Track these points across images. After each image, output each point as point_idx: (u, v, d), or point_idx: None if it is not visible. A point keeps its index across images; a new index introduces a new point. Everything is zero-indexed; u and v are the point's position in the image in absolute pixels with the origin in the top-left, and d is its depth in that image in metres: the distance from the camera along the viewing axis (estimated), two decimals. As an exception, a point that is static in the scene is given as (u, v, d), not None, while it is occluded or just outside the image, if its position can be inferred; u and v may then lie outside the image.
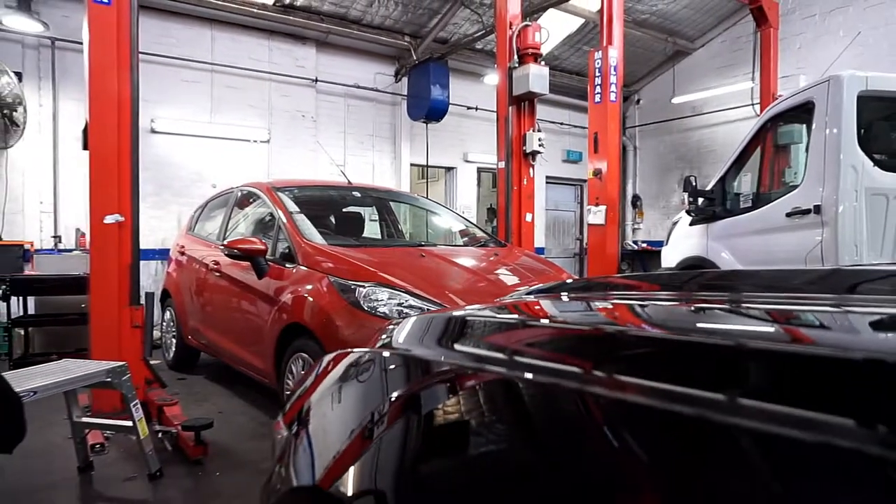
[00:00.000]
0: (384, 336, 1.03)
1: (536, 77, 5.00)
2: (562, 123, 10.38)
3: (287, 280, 3.35)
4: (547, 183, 10.16)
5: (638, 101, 10.72)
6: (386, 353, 0.89)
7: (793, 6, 8.24)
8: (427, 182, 9.50)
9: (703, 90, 9.36)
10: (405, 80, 8.41)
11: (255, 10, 7.05)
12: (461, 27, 8.16)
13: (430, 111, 7.88)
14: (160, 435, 3.10)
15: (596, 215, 5.70)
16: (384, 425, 0.74)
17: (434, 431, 0.69)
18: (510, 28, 5.15)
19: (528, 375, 0.64)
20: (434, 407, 0.72)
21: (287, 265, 3.43)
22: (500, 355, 0.74)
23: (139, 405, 2.73)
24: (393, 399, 0.77)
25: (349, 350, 0.99)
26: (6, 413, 1.57)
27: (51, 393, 2.32)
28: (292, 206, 3.86)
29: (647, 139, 10.77)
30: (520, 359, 0.71)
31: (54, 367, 2.65)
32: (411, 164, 8.80)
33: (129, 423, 2.68)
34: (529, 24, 5.13)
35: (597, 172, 5.57)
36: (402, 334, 0.95)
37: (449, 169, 9.44)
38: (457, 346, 0.82)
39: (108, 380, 2.62)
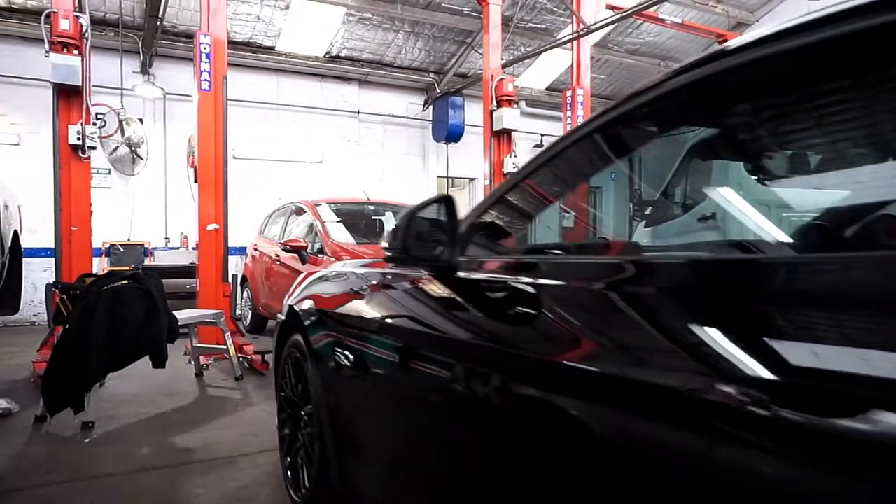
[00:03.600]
0: (329, 269, 2.79)
1: (509, 117, 6.68)
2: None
3: (320, 266, 5.21)
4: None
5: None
6: (326, 272, 2.65)
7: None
8: (448, 190, 11.29)
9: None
10: (431, 108, 10.25)
11: (309, 62, 9.07)
12: (476, 64, 9.88)
13: (448, 134, 9.67)
14: (240, 359, 5.02)
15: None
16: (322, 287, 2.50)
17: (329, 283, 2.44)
18: (492, 80, 6.85)
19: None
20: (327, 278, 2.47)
21: (320, 256, 5.28)
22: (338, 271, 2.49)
23: (230, 336, 4.66)
24: (326, 275, 2.52)
25: (312, 270, 2.76)
26: (170, 335, 3.48)
27: (188, 322, 4.27)
28: (325, 216, 5.73)
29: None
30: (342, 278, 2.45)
31: (184, 313, 4.61)
32: (438, 176, 10.61)
33: (224, 347, 4.61)
34: (504, 77, 6.82)
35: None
36: (334, 267, 2.71)
37: (472, 179, 11.18)
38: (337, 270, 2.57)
39: (213, 320, 4.57)
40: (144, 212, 8.45)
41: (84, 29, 4.78)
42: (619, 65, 10.46)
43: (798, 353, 0.67)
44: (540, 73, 10.33)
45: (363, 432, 1.74)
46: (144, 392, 4.18)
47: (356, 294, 1.89)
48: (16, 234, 4.92)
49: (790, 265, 0.82)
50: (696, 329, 0.80)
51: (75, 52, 4.70)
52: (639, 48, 10.23)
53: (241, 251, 8.00)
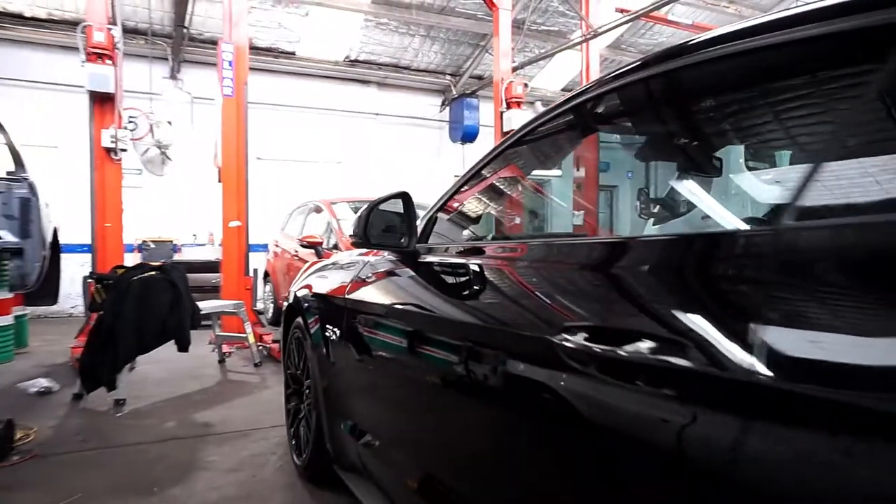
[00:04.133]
0: (329, 261, 3.08)
1: (518, 119, 6.90)
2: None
3: (333, 260, 5.53)
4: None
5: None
6: (324, 262, 2.94)
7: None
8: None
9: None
10: (448, 109, 10.52)
11: (329, 66, 9.42)
12: (491, 66, 10.10)
13: (464, 135, 9.93)
14: (260, 348, 5.36)
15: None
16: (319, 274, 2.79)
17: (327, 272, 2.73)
18: (501, 83, 7.09)
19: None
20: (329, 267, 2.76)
21: (335, 251, 5.59)
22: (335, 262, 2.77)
23: (250, 325, 5.00)
24: (324, 264, 2.81)
25: (313, 262, 3.05)
26: (192, 322, 3.81)
27: (210, 311, 4.62)
28: (341, 214, 6.04)
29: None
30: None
31: (207, 303, 4.96)
32: (454, 175, 10.84)
33: (244, 335, 4.95)
34: (513, 80, 7.05)
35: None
36: (333, 258, 3.00)
37: (488, 179, 11.40)
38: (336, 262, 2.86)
39: (233, 310, 4.91)
40: (173, 210, 8.89)
41: (116, 40, 5.17)
42: (632, 65, 10.58)
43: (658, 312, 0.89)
44: (554, 74, 10.51)
45: (346, 397, 2.02)
46: (172, 376, 4.54)
47: (339, 279, 2.17)
48: (55, 231, 5.34)
49: (646, 244, 1.07)
50: (579, 292, 1.06)
51: (108, 62, 5.08)
52: (652, 49, 10.33)
53: (265, 248, 8.38)
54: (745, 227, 1.09)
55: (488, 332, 1.20)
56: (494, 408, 1.15)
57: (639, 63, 1.16)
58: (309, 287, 2.49)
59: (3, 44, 7.97)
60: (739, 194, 1.32)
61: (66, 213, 6.71)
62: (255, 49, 8.98)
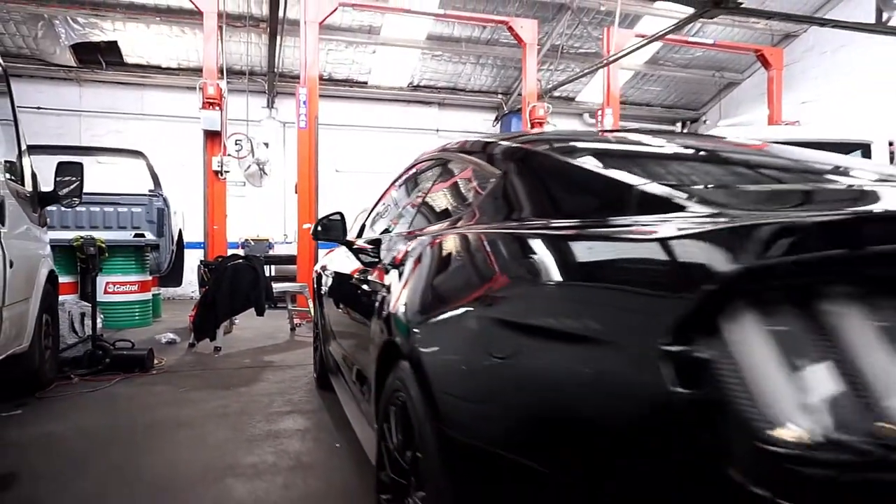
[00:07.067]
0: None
1: (540, 136, 8.11)
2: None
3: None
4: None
5: (705, 121, 12.72)
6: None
7: (812, 44, 9.94)
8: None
9: (745, 114, 11.24)
10: (499, 124, 11.84)
11: (395, 91, 11.08)
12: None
13: (512, 147, 11.18)
14: (322, 321, 7.01)
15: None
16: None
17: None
18: (527, 106, 8.34)
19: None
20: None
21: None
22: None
23: (312, 302, 6.65)
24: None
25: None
26: (267, 296, 5.50)
27: (281, 290, 6.33)
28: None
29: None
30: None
31: (281, 284, 6.67)
32: (508, 183, 12.13)
33: (308, 309, 6.61)
34: (536, 104, 8.26)
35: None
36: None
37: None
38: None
39: (300, 290, 6.59)
40: (269, 215, 10.92)
41: (223, 91, 7.03)
42: (672, 78, 11.35)
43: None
44: (596, 89, 11.49)
45: (325, 328, 3.50)
46: (255, 336, 6.28)
47: (328, 258, 3.66)
48: (180, 232, 7.31)
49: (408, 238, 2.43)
50: (397, 256, 2.46)
51: (217, 108, 6.95)
52: (689, 62, 11.07)
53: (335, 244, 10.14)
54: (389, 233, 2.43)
55: (365, 278, 2.61)
56: (364, 316, 2.56)
57: (417, 160, 2.54)
58: (322, 265, 4.01)
59: (146, 88, 10.33)
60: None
61: (188, 217, 8.78)
62: (333, 81, 10.83)
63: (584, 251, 0.97)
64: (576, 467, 0.83)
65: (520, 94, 11.45)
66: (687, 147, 2.05)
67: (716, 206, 0.99)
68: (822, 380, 0.65)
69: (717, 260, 0.72)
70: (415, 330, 1.37)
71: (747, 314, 0.68)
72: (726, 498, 0.63)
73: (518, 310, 1.02)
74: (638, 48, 7.93)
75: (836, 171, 1.51)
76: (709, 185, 1.31)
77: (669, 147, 1.93)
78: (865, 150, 6.98)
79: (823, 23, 6.55)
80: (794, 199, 1.20)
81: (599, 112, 8.58)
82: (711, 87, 11.96)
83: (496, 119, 11.97)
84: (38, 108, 9.69)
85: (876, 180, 1.31)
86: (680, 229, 0.84)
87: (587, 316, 0.87)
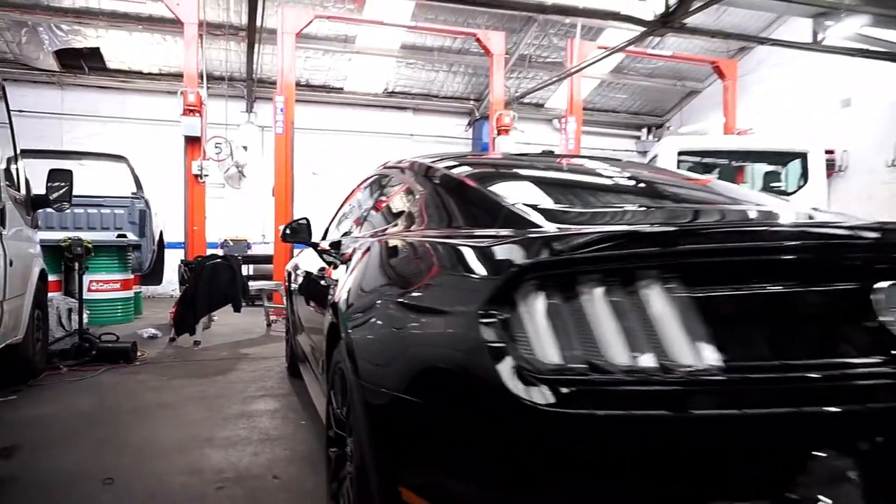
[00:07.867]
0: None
1: (506, 143, 8.58)
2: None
3: (351, 254, 7.48)
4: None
5: (668, 127, 13.30)
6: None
7: (765, 56, 10.54)
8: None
9: (702, 122, 11.83)
10: (471, 129, 12.30)
11: (370, 97, 11.48)
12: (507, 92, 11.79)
13: (485, 151, 11.64)
14: (297, 318, 7.39)
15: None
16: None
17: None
18: (493, 114, 8.79)
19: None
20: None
21: (352, 248, 7.54)
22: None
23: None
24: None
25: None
26: (244, 294, 5.88)
27: (257, 288, 6.70)
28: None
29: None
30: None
31: (257, 282, 7.04)
32: (480, 186, 12.60)
33: (283, 306, 6.99)
34: (503, 112, 8.72)
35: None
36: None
37: (512, 187, 13.05)
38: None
39: (275, 287, 6.97)
40: (247, 216, 11.24)
41: (203, 98, 7.36)
42: (637, 87, 11.91)
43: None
44: (565, 96, 11.99)
45: (293, 321, 3.90)
46: (232, 332, 6.65)
47: (297, 259, 4.07)
48: (161, 233, 7.64)
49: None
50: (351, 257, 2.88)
51: (197, 114, 7.29)
52: (653, 72, 11.62)
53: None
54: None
55: (323, 275, 3.02)
56: (321, 307, 2.97)
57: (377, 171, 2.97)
58: (294, 264, 4.42)
59: (128, 92, 10.60)
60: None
61: (169, 218, 9.09)
62: (310, 87, 11.19)
63: (446, 252, 1.41)
64: (437, 395, 1.26)
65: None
66: (578, 173, 2.52)
67: (558, 223, 1.45)
68: (572, 333, 1.09)
69: (517, 257, 1.16)
70: (347, 313, 1.80)
71: (531, 292, 1.12)
72: (511, 400, 1.05)
73: (404, 294, 1.46)
74: (599, 59, 8.42)
75: (672, 196, 2.00)
76: (566, 206, 1.75)
77: (562, 173, 2.39)
78: (803, 158, 7.57)
79: (762, 41, 7.11)
80: (616, 218, 1.66)
81: (564, 119, 9.07)
82: (674, 94, 12.53)
83: (468, 124, 12.41)
84: (20, 110, 9.90)
85: (692, 202, 1.78)
86: (501, 238, 1.29)
87: (441, 295, 1.31)
